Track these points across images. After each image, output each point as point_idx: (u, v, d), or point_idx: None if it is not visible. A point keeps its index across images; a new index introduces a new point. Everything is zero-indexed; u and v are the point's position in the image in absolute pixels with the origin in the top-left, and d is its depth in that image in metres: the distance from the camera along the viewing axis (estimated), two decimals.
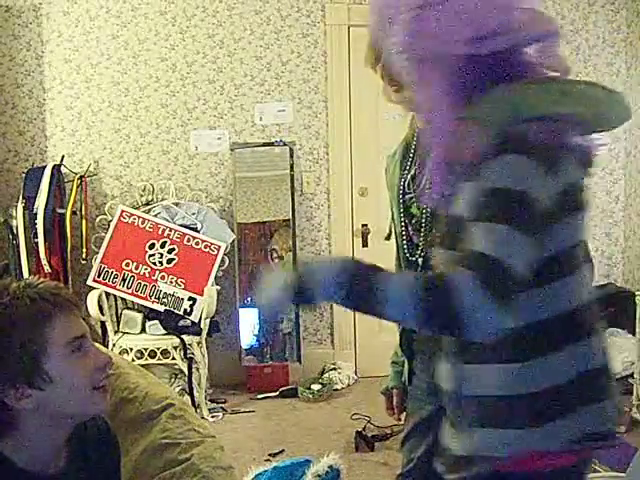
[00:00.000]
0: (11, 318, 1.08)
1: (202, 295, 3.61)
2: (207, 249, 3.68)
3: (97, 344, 1.23)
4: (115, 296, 3.70)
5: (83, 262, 3.74)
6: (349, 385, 4.01)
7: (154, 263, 3.64)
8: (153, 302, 3.61)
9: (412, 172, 1.58)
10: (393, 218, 1.65)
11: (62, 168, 3.78)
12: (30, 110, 3.92)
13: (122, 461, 1.32)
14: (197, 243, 3.69)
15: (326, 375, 3.99)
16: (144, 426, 1.47)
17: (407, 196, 1.58)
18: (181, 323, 3.58)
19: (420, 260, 1.55)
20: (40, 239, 3.54)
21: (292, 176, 3.98)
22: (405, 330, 1.62)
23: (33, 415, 1.11)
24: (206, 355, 3.66)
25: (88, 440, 1.23)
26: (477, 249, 0.97)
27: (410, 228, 1.58)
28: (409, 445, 1.70)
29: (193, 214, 3.80)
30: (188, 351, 3.50)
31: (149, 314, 3.65)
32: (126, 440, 1.42)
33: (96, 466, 1.24)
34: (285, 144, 3.97)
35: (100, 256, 3.61)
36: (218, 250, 3.69)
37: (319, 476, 2.67)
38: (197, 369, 3.59)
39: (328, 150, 4.10)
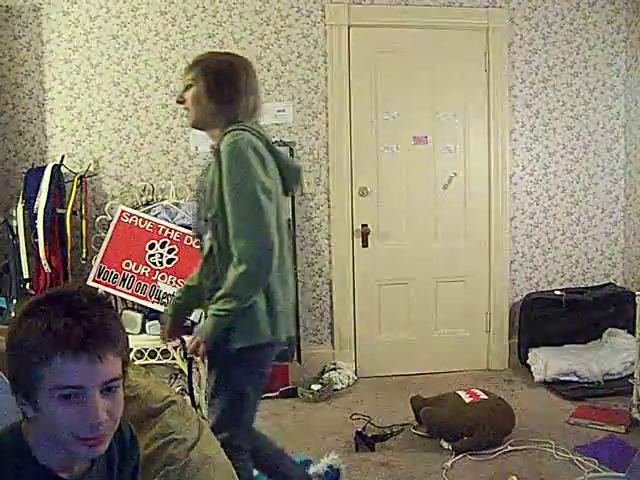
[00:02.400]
0: (26, 336, 1.05)
1: None
2: None
3: (103, 400, 1.08)
4: (115, 296, 3.70)
5: (83, 262, 3.74)
6: (349, 385, 4.01)
7: (154, 263, 3.64)
8: (153, 302, 3.61)
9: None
10: None
11: (62, 168, 3.78)
12: (30, 110, 3.91)
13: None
14: (197, 243, 3.68)
15: (326, 375, 3.98)
16: (146, 423, 1.48)
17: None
18: None
19: None
20: (40, 239, 3.53)
21: None
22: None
23: (37, 423, 1.09)
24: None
25: (112, 444, 1.20)
26: None
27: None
28: None
29: (193, 214, 3.79)
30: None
31: (149, 314, 3.65)
32: None
33: (118, 469, 1.23)
34: (285, 144, 3.97)
35: (100, 256, 3.61)
36: None
37: (319, 476, 2.67)
38: (197, 369, 3.58)
39: (328, 150, 4.09)
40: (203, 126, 2.08)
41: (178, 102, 2.10)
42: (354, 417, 3.50)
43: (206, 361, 2.06)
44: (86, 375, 1.04)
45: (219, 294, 1.89)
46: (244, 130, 1.94)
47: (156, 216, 3.74)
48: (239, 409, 1.99)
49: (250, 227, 1.87)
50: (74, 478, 1.15)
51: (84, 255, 3.73)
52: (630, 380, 3.37)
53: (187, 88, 2.05)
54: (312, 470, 2.68)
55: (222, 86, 2.01)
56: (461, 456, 2.99)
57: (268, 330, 1.97)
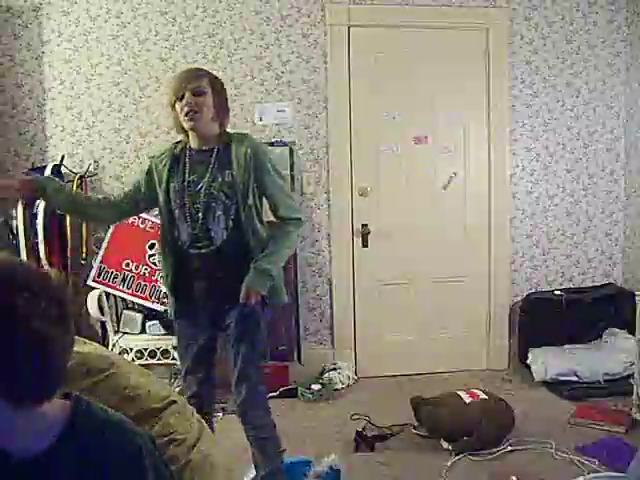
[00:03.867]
0: None
1: None
2: None
3: None
4: (115, 296, 3.70)
5: (83, 262, 3.74)
6: (349, 385, 4.01)
7: (154, 263, 3.64)
8: (153, 302, 3.61)
9: (190, 178, 2.31)
10: (160, 206, 2.38)
11: (62, 168, 3.78)
12: (30, 110, 3.91)
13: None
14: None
15: (326, 375, 3.98)
16: (146, 423, 1.48)
17: (186, 192, 2.31)
18: None
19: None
20: (40, 239, 3.54)
21: (292, 176, 3.98)
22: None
23: None
24: None
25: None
26: None
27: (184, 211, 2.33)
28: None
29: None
30: None
31: (149, 314, 3.65)
32: None
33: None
34: (285, 144, 3.97)
35: (100, 256, 3.61)
36: None
37: (319, 476, 2.67)
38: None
39: (328, 150, 4.09)
40: (205, 131, 2.33)
41: (192, 109, 2.27)
42: (354, 417, 3.50)
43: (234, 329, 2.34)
44: None
45: (273, 250, 2.30)
46: None
47: (156, 216, 3.73)
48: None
49: (296, 202, 2.49)
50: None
51: (84, 255, 3.73)
52: (630, 380, 3.37)
53: (199, 94, 2.28)
54: (312, 470, 2.68)
55: (227, 98, 2.40)
56: (461, 456, 2.99)
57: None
